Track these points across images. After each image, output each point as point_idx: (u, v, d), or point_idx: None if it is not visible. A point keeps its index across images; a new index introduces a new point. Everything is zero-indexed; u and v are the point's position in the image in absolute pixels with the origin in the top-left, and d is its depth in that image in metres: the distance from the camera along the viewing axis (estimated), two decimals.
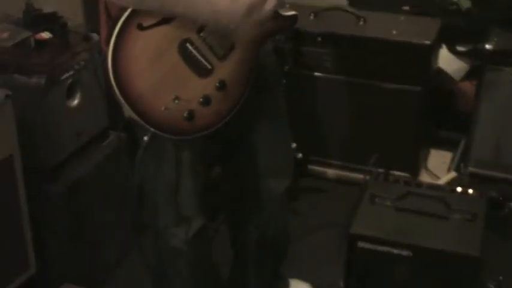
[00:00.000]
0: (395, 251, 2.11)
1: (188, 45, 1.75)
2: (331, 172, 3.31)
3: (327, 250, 2.65)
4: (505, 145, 2.95)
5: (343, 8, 3.29)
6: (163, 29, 1.73)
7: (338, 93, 3.17)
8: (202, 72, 1.78)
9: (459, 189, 2.39)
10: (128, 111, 1.76)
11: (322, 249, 2.75)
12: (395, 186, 2.37)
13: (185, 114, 1.78)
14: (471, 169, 2.99)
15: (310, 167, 3.29)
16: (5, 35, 2.40)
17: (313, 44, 3.12)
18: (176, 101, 1.76)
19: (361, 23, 3.15)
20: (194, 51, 1.76)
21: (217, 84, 1.80)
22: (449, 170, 3.16)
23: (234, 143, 2.18)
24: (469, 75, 3.24)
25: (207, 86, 1.79)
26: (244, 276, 2.44)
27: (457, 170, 3.10)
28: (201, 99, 1.78)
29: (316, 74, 3.17)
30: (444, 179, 3.05)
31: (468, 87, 3.19)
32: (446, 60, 3.24)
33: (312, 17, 3.22)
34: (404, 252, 2.11)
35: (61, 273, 2.43)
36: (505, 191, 2.87)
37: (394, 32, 3.06)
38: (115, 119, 2.60)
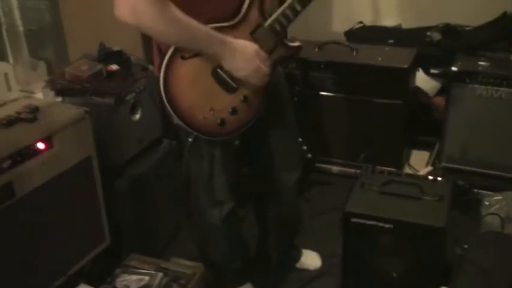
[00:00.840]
0: (380, 224, 2.13)
1: (219, 70, 1.78)
2: (334, 168, 3.30)
3: (330, 227, 2.64)
4: (469, 145, 2.94)
5: (340, 42, 3.30)
6: (200, 59, 1.76)
7: (338, 107, 3.17)
8: (230, 89, 1.82)
9: (431, 177, 2.36)
10: (176, 120, 1.80)
11: (327, 227, 2.74)
12: (381, 176, 2.35)
13: (218, 121, 1.82)
14: (444, 164, 3.02)
15: (318, 164, 3.27)
16: (85, 67, 2.42)
17: (318, 70, 3.13)
18: (211, 112, 1.81)
19: (355, 53, 3.15)
20: (223, 75, 1.79)
21: (241, 99, 1.84)
22: (427, 165, 3.14)
23: (256, 146, 2.19)
24: (441, 92, 3.21)
25: (234, 100, 1.83)
26: (267, 247, 2.48)
27: (433, 165, 3.10)
28: (230, 110, 1.83)
29: (320, 93, 3.18)
30: (423, 171, 3.02)
31: (441, 101, 3.15)
32: (423, 80, 3.24)
33: (316, 49, 3.24)
34: (387, 225, 2.12)
35: (129, 245, 2.44)
36: (470, 180, 2.86)
37: (380, 59, 3.06)
38: (167, 130, 2.63)
